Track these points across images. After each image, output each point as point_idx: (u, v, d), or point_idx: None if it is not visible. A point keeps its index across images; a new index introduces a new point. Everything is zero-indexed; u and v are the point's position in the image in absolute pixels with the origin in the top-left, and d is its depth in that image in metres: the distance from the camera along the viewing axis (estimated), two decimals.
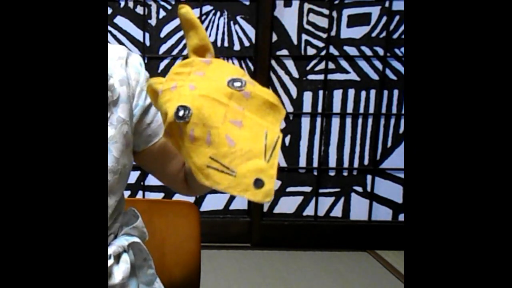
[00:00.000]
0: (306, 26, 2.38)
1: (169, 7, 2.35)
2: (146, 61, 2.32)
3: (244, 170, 0.52)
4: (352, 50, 2.39)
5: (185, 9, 0.58)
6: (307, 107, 2.44)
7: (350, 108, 2.44)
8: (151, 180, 2.42)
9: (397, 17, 2.37)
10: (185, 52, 2.38)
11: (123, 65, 0.77)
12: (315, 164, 2.48)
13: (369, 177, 2.49)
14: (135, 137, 0.80)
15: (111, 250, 0.76)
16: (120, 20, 2.34)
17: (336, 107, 2.43)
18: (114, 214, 0.78)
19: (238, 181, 0.52)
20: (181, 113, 0.53)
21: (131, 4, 2.34)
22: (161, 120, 0.80)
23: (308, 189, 2.50)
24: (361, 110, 2.44)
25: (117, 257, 0.77)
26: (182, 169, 0.83)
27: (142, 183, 2.45)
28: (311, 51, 2.40)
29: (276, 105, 0.55)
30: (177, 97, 0.54)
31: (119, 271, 0.76)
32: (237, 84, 0.54)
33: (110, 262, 0.75)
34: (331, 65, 2.41)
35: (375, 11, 2.37)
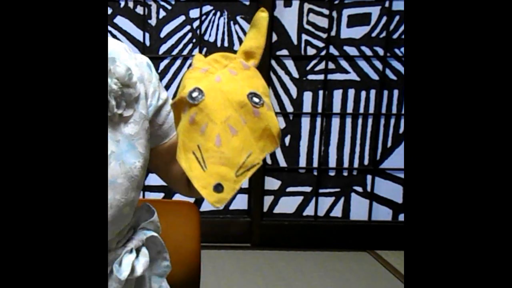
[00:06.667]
0: (306, 26, 2.38)
1: (169, 7, 2.35)
2: None
3: (213, 170, 0.55)
4: (352, 50, 2.39)
5: (265, 14, 0.63)
6: (307, 107, 2.44)
7: (350, 108, 2.44)
8: (151, 180, 2.42)
9: (397, 17, 2.37)
10: (185, 52, 2.38)
11: (137, 64, 0.78)
12: (315, 164, 2.48)
13: (369, 177, 2.49)
14: None
15: (132, 244, 0.78)
16: (120, 20, 2.34)
17: (336, 107, 2.43)
18: (135, 209, 0.80)
19: (203, 176, 0.55)
20: (194, 94, 0.56)
21: (131, 4, 2.34)
22: (172, 122, 0.81)
23: (308, 189, 2.50)
24: (361, 110, 2.44)
25: (137, 251, 0.78)
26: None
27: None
28: (311, 51, 2.40)
29: (274, 137, 0.57)
30: (200, 79, 0.57)
31: (139, 265, 0.77)
32: (255, 100, 0.57)
33: (133, 256, 0.76)
34: (331, 65, 2.41)
35: (375, 11, 2.37)
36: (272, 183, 2.49)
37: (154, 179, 2.36)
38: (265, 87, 0.59)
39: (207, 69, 0.59)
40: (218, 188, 0.55)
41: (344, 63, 2.41)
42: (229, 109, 0.56)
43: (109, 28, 2.32)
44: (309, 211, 2.51)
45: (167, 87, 2.38)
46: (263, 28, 0.62)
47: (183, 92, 0.57)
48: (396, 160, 2.47)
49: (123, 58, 0.75)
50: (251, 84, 0.58)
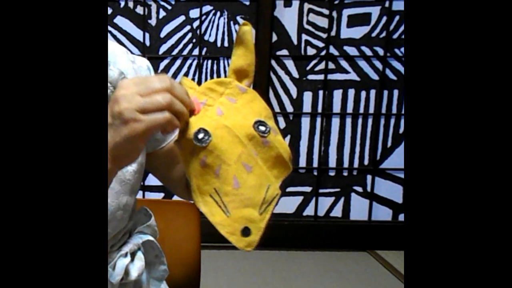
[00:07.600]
0: (306, 26, 2.38)
1: (169, 7, 2.35)
2: None
3: (238, 215, 0.54)
4: (352, 50, 2.40)
5: (248, 27, 0.58)
6: (307, 107, 2.44)
7: (350, 108, 2.44)
8: (151, 180, 2.42)
9: (397, 17, 2.37)
10: (185, 52, 2.38)
11: (135, 68, 0.77)
12: (315, 164, 2.48)
13: (369, 177, 2.49)
14: None
15: (127, 248, 0.78)
16: (120, 20, 2.34)
17: (336, 107, 2.44)
18: (131, 213, 0.80)
19: (229, 222, 0.54)
20: (200, 135, 0.54)
21: (131, 4, 2.34)
22: None
23: (308, 189, 2.50)
24: (361, 110, 2.44)
25: (132, 255, 0.78)
26: (185, 175, 0.84)
27: (142, 183, 2.45)
28: (311, 51, 2.40)
29: (286, 162, 0.56)
30: (202, 117, 0.55)
31: (134, 268, 0.77)
32: (262, 128, 0.55)
33: (127, 260, 0.76)
34: (331, 65, 2.41)
35: (375, 11, 2.37)
36: None
37: (154, 179, 2.35)
38: (266, 108, 0.57)
39: (205, 101, 0.56)
40: (246, 231, 0.54)
41: (344, 63, 2.41)
42: (239, 146, 0.54)
43: (109, 28, 2.32)
44: (309, 211, 2.51)
45: None
46: (250, 43, 0.59)
47: (188, 134, 0.54)
48: (396, 160, 2.47)
49: (120, 60, 0.74)
50: (253, 110, 0.56)
